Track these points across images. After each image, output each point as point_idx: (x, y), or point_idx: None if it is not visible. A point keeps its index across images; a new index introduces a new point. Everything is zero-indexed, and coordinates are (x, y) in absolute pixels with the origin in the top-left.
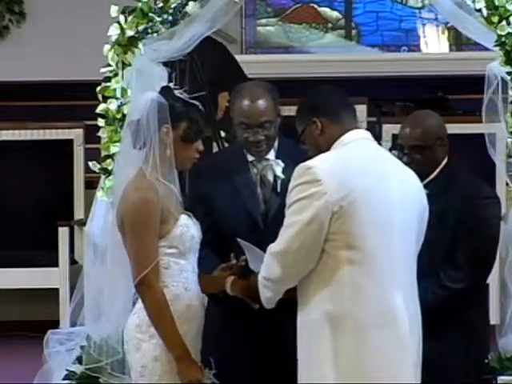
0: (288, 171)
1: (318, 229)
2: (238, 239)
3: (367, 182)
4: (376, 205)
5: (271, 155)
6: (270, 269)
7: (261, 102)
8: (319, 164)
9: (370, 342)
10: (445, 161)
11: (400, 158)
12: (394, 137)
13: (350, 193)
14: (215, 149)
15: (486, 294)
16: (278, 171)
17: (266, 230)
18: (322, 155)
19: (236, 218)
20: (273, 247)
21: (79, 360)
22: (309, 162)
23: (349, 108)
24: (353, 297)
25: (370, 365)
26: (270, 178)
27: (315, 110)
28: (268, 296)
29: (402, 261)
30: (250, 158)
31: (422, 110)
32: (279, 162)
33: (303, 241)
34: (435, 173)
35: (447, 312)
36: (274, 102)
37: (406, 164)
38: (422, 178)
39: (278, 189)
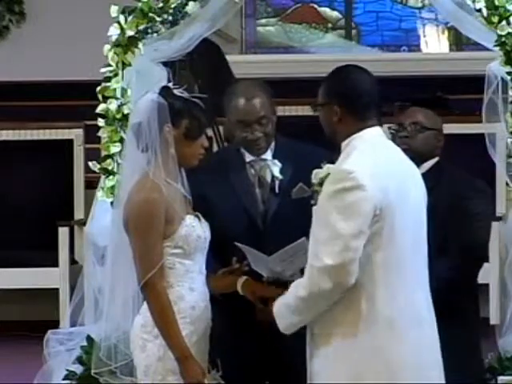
0: (285, 171)
1: (366, 234)
2: (237, 244)
3: (396, 183)
4: (405, 207)
5: (268, 155)
6: (316, 283)
7: (257, 99)
8: (359, 168)
9: (404, 342)
10: (437, 158)
11: (396, 134)
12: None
13: (386, 195)
14: (215, 149)
15: (474, 292)
16: (276, 171)
17: (265, 230)
18: (354, 158)
19: (235, 220)
20: (322, 260)
21: (79, 360)
22: (347, 167)
23: (374, 103)
24: (386, 297)
25: (404, 365)
26: (268, 178)
27: (340, 97)
28: (295, 321)
29: (424, 261)
30: (248, 158)
31: None
32: (276, 162)
33: (356, 250)
34: (427, 167)
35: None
36: (270, 99)
37: (404, 139)
38: (417, 161)
39: (277, 189)
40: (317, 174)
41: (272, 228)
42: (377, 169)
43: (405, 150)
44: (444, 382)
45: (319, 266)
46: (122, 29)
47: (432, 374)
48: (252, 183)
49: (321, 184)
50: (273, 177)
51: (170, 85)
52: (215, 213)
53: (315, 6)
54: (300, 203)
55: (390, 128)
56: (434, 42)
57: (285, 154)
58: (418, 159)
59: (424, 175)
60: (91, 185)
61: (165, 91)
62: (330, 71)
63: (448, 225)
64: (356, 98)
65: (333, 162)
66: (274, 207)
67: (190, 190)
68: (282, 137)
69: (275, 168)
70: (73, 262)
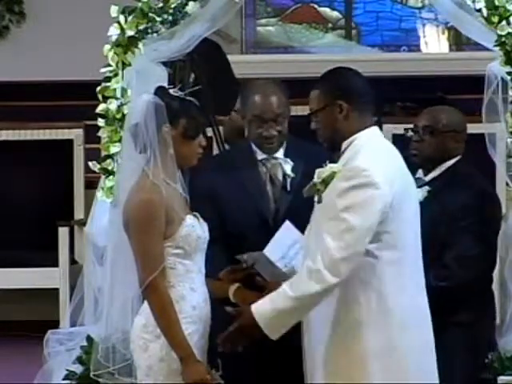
0: (297, 170)
1: (373, 232)
2: (255, 267)
3: (400, 183)
4: (408, 207)
5: (280, 154)
6: (320, 280)
7: (275, 97)
8: (372, 166)
9: (412, 341)
10: (456, 158)
11: (410, 138)
12: (395, 137)
13: (394, 194)
14: (215, 149)
15: (479, 293)
16: (288, 169)
17: (275, 228)
18: (364, 155)
19: (246, 217)
20: (332, 254)
21: (79, 360)
22: (360, 164)
23: (371, 102)
24: (395, 295)
25: (412, 364)
26: (280, 176)
27: (345, 94)
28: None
29: (421, 261)
30: (260, 156)
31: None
32: (288, 160)
33: (365, 245)
34: (444, 168)
35: (434, 310)
36: (286, 98)
37: (415, 144)
38: (429, 166)
39: (288, 187)
40: (320, 173)
41: None
42: (387, 167)
43: (415, 156)
44: (438, 382)
45: (329, 260)
46: (122, 29)
47: (432, 374)
48: (263, 181)
49: (323, 182)
50: (284, 175)
51: (165, 85)
52: (226, 210)
53: (315, 6)
54: (312, 201)
55: (406, 130)
56: (433, 42)
57: (296, 152)
58: (429, 164)
59: (441, 175)
60: (91, 185)
61: (160, 91)
62: (322, 75)
63: (454, 229)
64: (361, 95)
65: (335, 162)
66: (285, 205)
67: (200, 187)
68: (294, 136)
69: (287, 166)
70: (73, 262)
